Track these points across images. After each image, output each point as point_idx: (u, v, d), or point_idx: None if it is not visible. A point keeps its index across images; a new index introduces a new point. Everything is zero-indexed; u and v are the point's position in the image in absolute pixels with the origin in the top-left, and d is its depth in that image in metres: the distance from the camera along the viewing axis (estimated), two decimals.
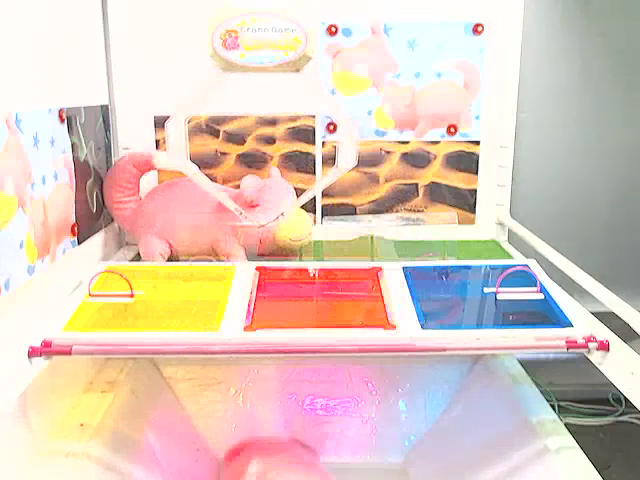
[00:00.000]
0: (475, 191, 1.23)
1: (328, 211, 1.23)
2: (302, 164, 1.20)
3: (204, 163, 1.17)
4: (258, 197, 1.01)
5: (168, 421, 1.07)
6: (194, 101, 0.81)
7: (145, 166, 1.06)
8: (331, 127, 1.19)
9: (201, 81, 0.80)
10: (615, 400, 1.42)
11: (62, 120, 0.90)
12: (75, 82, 0.97)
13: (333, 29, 1.15)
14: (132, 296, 0.81)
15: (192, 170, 0.87)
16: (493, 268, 0.94)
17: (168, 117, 1.17)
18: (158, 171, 1.15)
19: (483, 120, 1.19)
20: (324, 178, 0.88)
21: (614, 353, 0.72)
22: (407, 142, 1.20)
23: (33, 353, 0.70)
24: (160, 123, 1.17)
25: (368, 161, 1.21)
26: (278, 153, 1.20)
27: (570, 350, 0.74)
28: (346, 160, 0.85)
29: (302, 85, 0.80)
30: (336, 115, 0.82)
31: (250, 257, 1.03)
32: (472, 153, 1.21)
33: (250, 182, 1.00)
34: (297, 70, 0.77)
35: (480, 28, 1.15)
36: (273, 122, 1.18)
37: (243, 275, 0.90)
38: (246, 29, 0.73)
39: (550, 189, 1.38)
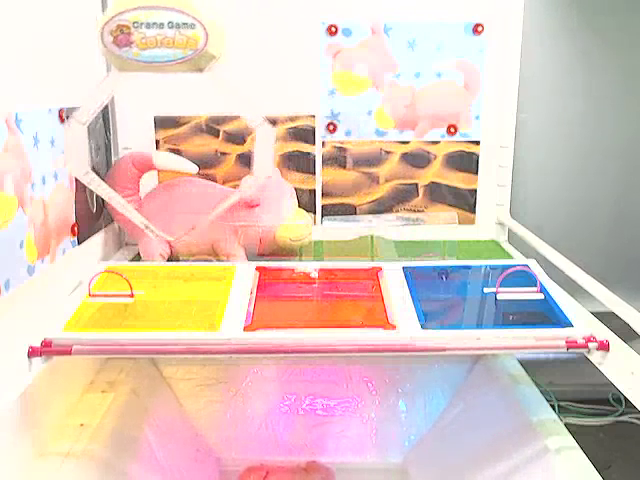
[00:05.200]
0: (475, 191, 1.23)
1: (328, 211, 1.23)
2: (302, 164, 1.21)
3: (204, 163, 1.17)
4: (258, 197, 1.01)
5: (168, 421, 1.07)
6: (90, 103, 0.75)
7: (145, 166, 1.06)
8: (331, 127, 1.19)
9: (97, 80, 0.74)
10: (615, 400, 1.42)
11: (62, 120, 0.90)
12: (75, 82, 0.97)
13: (333, 29, 1.15)
14: (132, 296, 0.81)
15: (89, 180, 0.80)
16: (493, 268, 0.94)
17: (168, 117, 1.17)
18: (158, 171, 1.15)
19: (483, 120, 1.19)
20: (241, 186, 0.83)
21: (614, 353, 0.72)
22: (407, 142, 1.20)
23: (33, 353, 0.70)
24: (160, 123, 1.17)
25: (368, 161, 1.21)
26: (278, 153, 1.20)
27: (570, 350, 0.74)
28: (262, 168, 0.79)
29: (211, 85, 0.74)
30: (252, 119, 0.77)
31: (250, 257, 1.03)
32: (472, 153, 1.21)
33: (250, 182, 1.00)
34: (200, 70, 0.71)
35: (480, 28, 1.15)
36: (273, 122, 1.18)
37: (243, 275, 0.90)
38: (139, 24, 0.66)
39: (550, 189, 1.38)
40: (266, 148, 0.77)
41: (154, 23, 0.66)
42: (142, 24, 0.66)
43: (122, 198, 0.84)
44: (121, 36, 0.66)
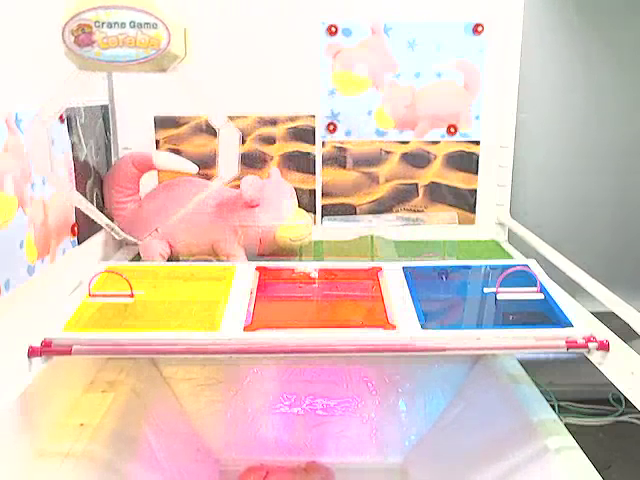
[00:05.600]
0: (475, 191, 1.23)
1: (328, 211, 1.23)
2: (302, 164, 1.21)
3: (204, 163, 1.17)
4: (258, 197, 1.01)
5: (168, 421, 1.07)
6: (53, 103, 0.73)
7: (145, 166, 1.06)
8: (331, 127, 1.19)
9: (59, 80, 0.73)
10: (615, 400, 1.42)
11: (62, 120, 0.90)
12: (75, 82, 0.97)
13: (333, 29, 1.15)
14: (132, 296, 0.81)
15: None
16: (493, 268, 0.94)
17: (168, 117, 1.17)
18: (158, 171, 1.15)
19: (483, 120, 1.19)
20: (204, 191, 0.82)
21: (614, 353, 0.72)
22: (407, 142, 1.20)
23: (33, 353, 0.70)
24: (160, 123, 1.17)
25: (368, 161, 1.21)
26: (278, 153, 1.20)
27: (570, 350, 0.74)
28: (228, 169, 0.77)
29: (179, 86, 0.73)
30: (215, 120, 0.76)
31: (250, 257, 1.03)
32: (472, 153, 1.21)
33: (250, 182, 1.00)
34: (163, 70, 0.70)
35: (480, 28, 1.15)
36: (273, 122, 1.18)
37: (243, 275, 0.90)
38: (100, 24, 0.66)
39: (550, 189, 1.38)
40: (231, 148, 0.76)
41: (116, 22, 0.66)
42: (104, 23, 0.66)
43: (71, 191, 0.82)
44: (82, 35, 0.65)
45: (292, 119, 1.18)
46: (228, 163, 0.76)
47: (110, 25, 0.66)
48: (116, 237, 0.88)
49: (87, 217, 1.00)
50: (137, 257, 1.10)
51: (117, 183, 1.06)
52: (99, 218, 0.85)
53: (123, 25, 0.66)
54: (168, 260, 1.05)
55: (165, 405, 1.09)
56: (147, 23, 0.66)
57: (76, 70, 0.69)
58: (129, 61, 0.67)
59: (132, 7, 0.66)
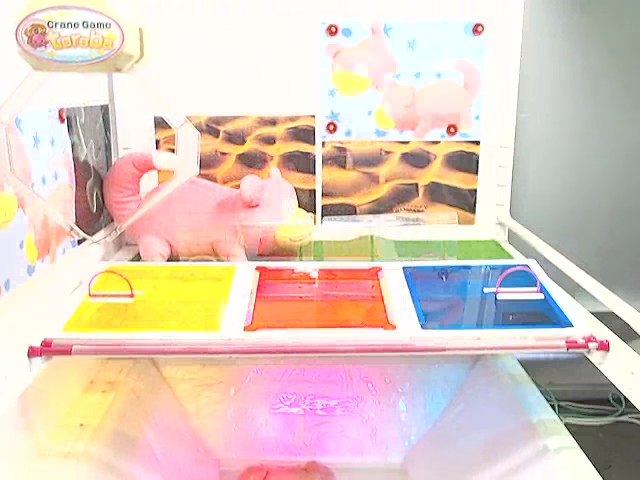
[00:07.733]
0: (475, 191, 1.23)
1: (328, 211, 1.23)
2: (302, 164, 1.21)
3: (204, 163, 1.17)
4: (258, 197, 1.01)
5: (168, 421, 1.07)
6: (11, 105, 0.70)
7: (145, 166, 1.06)
8: (331, 127, 1.19)
9: (17, 82, 0.72)
10: (615, 400, 1.42)
11: (62, 120, 0.90)
12: (75, 82, 0.97)
13: (333, 29, 1.15)
14: (132, 296, 0.81)
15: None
16: (493, 268, 0.94)
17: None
18: (158, 171, 1.15)
19: (483, 120, 1.19)
20: (163, 189, 0.81)
21: (614, 353, 0.72)
22: (407, 142, 1.20)
23: (33, 353, 0.70)
24: (160, 123, 1.17)
25: (368, 161, 1.21)
26: (278, 153, 1.20)
27: (570, 350, 0.74)
28: (184, 170, 0.77)
29: (136, 87, 0.73)
30: (173, 120, 0.76)
31: (250, 257, 1.03)
32: (472, 153, 1.21)
33: (250, 182, 1.00)
34: (118, 70, 0.69)
35: (480, 28, 1.15)
36: (273, 122, 1.18)
37: (243, 275, 0.90)
38: (53, 24, 0.65)
39: (550, 189, 1.38)
40: (188, 149, 0.76)
41: (69, 23, 0.65)
42: (57, 24, 0.65)
43: (38, 195, 0.81)
44: (36, 36, 0.65)
45: (292, 119, 1.18)
46: (185, 164, 0.76)
47: (63, 25, 0.65)
48: (76, 237, 0.88)
49: (87, 217, 1.00)
50: (137, 257, 1.10)
51: (117, 183, 1.06)
52: (60, 220, 0.83)
53: (76, 25, 0.66)
54: (168, 260, 1.05)
55: (165, 405, 1.09)
56: (100, 23, 0.66)
57: (31, 70, 0.68)
58: (83, 61, 0.66)
59: (84, 7, 0.65)
